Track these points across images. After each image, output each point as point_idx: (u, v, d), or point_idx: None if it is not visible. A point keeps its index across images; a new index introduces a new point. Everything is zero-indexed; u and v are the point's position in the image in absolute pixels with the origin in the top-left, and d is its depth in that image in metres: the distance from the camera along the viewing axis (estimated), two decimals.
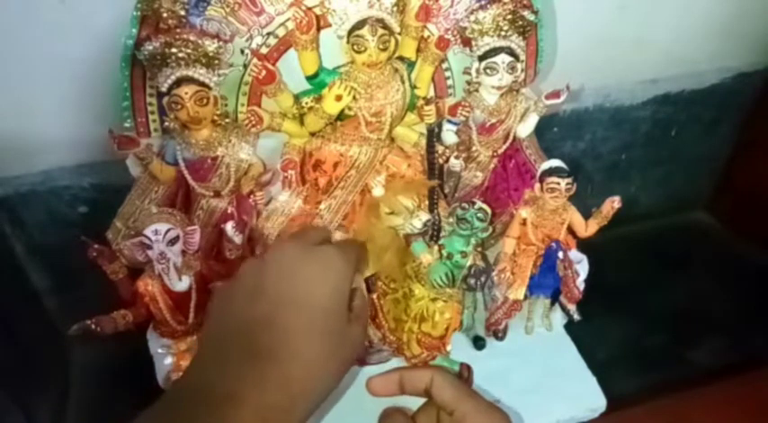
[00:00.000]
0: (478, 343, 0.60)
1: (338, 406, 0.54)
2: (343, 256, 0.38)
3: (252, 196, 0.54)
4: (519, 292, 0.57)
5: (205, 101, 0.48)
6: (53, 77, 0.55)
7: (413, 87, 0.54)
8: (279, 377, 0.32)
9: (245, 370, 0.32)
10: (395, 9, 0.48)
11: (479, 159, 0.60)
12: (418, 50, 0.53)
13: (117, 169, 0.53)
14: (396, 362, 0.58)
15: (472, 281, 0.53)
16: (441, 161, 0.58)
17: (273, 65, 0.50)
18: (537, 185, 0.55)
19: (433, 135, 0.56)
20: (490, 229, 0.53)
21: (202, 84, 0.47)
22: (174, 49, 0.46)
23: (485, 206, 0.52)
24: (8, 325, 0.60)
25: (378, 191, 0.54)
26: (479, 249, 0.57)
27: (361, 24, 0.47)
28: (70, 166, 0.61)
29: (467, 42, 0.54)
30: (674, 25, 0.76)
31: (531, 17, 0.53)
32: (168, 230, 0.48)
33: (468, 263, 0.53)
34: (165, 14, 0.46)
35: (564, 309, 0.61)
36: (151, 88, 0.49)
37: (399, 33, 0.51)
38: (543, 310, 0.61)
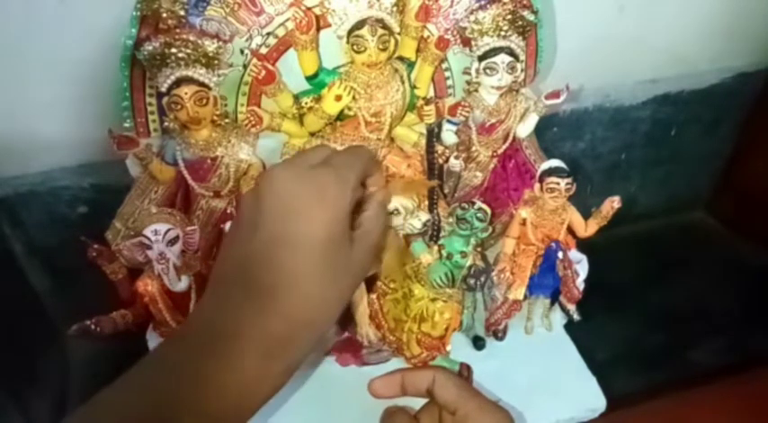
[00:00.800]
0: (478, 343, 0.60)
1: (339, 406, 0.54)
2: (338, 177, 0.36)
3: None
4: (519, 292, 0.57)
5: (205, 101, 0.48)
6: (53, 78, 0.55)
7: (412, 87, 0.54)
8: (278, 311, 0.33)
9: (246, 307, 0.33)
10: (395, 9, 0.48)
11: (479, 159, 0.60)
12: (418, 50, 0.53)
13: (117, 169, 0.53)
14: (395, 362, 0.58)
15: (472, 281, 0.53)
16: (440, 161, 0.58)
17: (273, 65, 0.50)
18: (536, 185, 0.55)
19: (433, 135, 0.56)
20: (490, 229, 0.53)
21: (202, 84, 0.47)
22: (173, 50, 0.46)
23: (484, 206, 0.52)
24: (8, 325, 0.60)
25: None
26: (479, 249, 0.57)
27: (360, 24, 0.47)
28: (70, 166, 0.61)
29: (466, 42, 0.54)
30: (674, 25, 0.76)
31: (531, 17, 0.53)
32: (168, 230, 0.48)
33: (468, 263, 0.53)
34: (164, 15, 0.46)
35: (564, 309, 0.61)
36: (151, 88, 0.49)
37: (399, 33, 0.51)
38: (543, 310, 0.61)
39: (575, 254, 0.57)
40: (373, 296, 0.56)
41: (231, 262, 0.35)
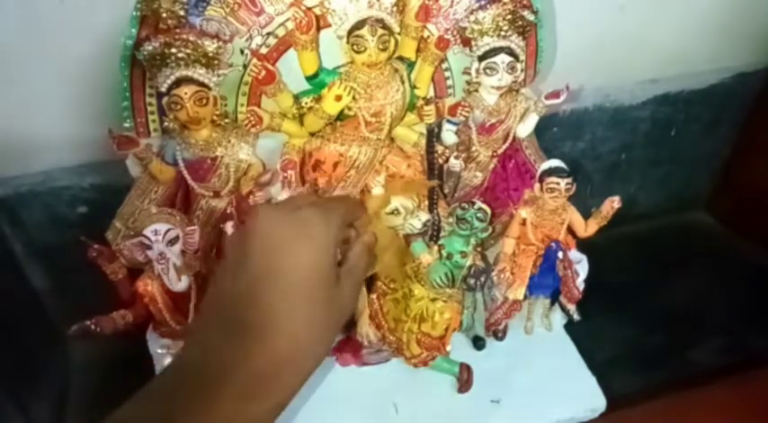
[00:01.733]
0: (478, 343, 0.60)
1: (339, 406, 0.54)
2: (322, 217, 0.36)
3: (251, 196, 0.54)
4: (519, 293, 0.57)
5: (204, 101, 0.48)
6: (53, 77, 0.55)
7: (413, 87, 0.54)
8: (264, 350, 0.33)
9: (232, 344, 0.32)
10: (395, 9, 0.48)
11: (479, 159, 0.60)
12: (418, 50, 0.53)
13: (117, 169, 0.53)
14: (395, 362, 0.58)
15: (472, 281, 0.53)
16: (440, 161, 0.58)
17: (273, 65, 0.50)
18: (536, 185, 0.55)
19: (433, 135, 0.56)
20: (490, 229, 0.53)
21: (202, 84, 0.47)
22: (173, 50, 0.46)
23: (484, 206, 0.52)
24: (8, 325, 0.60)
25: (378, 191, 0.54)
26: (479, 249, 0.57)
27: (360, 24, 0.47)
28: (70, 166, 0.61)
29: (466, 42, 0.54)
30: (674, 25, 0.76)
31: (531, 17, 0.53)
32: (168, 231, 0.48)
33: (468, 263, 0.53)
34: (164, 14, 0.46)
35: (564, 309, 0.61)
36: (151, 88, 0.49)
37: (399, 33, 0.51)
38: (543, 310, 0.61)
39: (575, 254, 0.57)
40: (373, 296, 0.56)
41: (217, 300, 0.36)
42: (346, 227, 0.39)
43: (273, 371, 0.33)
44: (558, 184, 0.54)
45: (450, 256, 0.52)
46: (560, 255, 0.55)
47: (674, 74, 0.81)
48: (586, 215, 0.57)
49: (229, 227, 0.52)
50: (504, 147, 0.59)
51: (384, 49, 0.49)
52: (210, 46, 0.47)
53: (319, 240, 0.35)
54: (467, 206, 0.52)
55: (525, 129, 0.59)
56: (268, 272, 0.34)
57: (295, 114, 0.53)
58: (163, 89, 0.47)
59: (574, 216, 0.57)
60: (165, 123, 0.50)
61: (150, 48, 0.45)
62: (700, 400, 0.69)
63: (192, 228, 0.50)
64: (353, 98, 0.51)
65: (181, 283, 0.51)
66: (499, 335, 0.60)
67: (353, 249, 0.39)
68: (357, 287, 0.39)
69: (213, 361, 0.32)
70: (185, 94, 0.47)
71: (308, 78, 0.52)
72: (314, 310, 0.34)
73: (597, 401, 0.56)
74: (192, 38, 0.46)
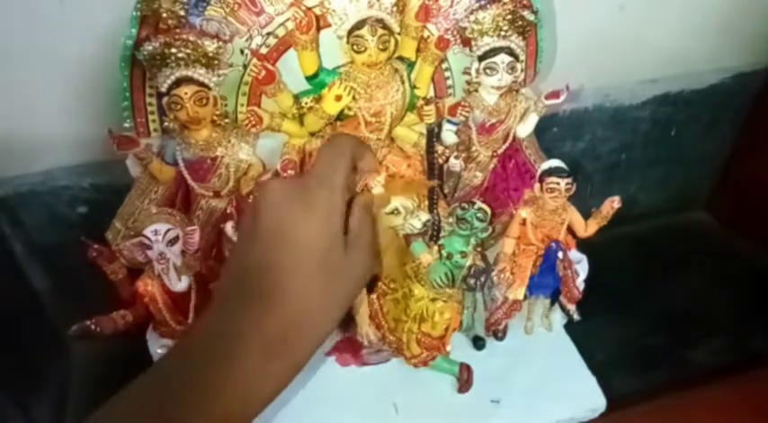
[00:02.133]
0: (478, 343, 0.60)
1: (339, 406, 0.54)
2: (322, 183, 0.37)
3: (251, 196, 0.54)
4: (519, 293, 0.57)
5: (205, 101, 0.48)
6: (53, 77, 0.55)
7: (412, 87, 0.54)
8: (277, 317, 0.34)
9: (245, 311, 0.34)
10: (395, 9, 0.48)
11: (479, 159, 0.60)
12: (418, 50, 0.53)
13: (117, 169, 0.53)
14: (396, 362, 0.58)
15: (472, 281, 0.53)
16: (440, 161, 0.58)
17: (273, 65, 0.50)
18: (536, 185, 0.55)
19: (433, 135, 0.56)
20: (490, 229, 0.53)
21: (202, 84, 0.47)
22: (173, 50, 0.46)
23: (484, 206, 0.52)
24: (8, 325, 0.60)
25: (378, 191, 0.54)
26: (479, 249, 0.57)
27: (360, 24, 0.47)
28: (70, 166, 0.61)
29: (466, 42, 0.54)
30: (674, 25, 0.76)
31: (531, 17, 0.53)
32: (168, 231, 0.48)
33: (468, 263, 0.53)
34: (164, 15, 0.46)
35: (564, 309, 0.61)
36: (151, 88, 0.49)
37: (399, 33, 0.51)
38: (543, 310, 0.61)
39: (575, 254, 0.57)
40: (373, 296, 0.56)
41: (231, 272, 0.37)
42: (352, 176, 0.40)
43: (287, 335, 0.34)
44: (558, 184, 0.54)
45: (450, 256, 0.52)
46: (560, 255, 0.55)
47: (674, 74, 0.81)
48: (586, 215, 0.57)
49: (229, 227, 0.52)
50: (504, 147, 0.59)
51: (384, 49, 0.49)
52: (210, 46, 0.47)
53: (323, 209, 0.36)
54: (467, 206, 0.52)
55: (525, 129, 0.59)
56: (278, 242, 0.35)
57: (295, 114, 0.53)
58: (163, 89, 0.47)
59: (574, 216, 0.57)
60: (165, 123, 0.50)
61: (150, 48, 0.45)
62: (700, 400, 0.69)
63: (192, 228, 0.50)
64: (353, 98, 0.51)
65: (181, 283, 0.51)
66: (499, 335, 0.60)
67: (352, 217, 0.39)
68: (367, 251, 0.39)
69: (228, 326, 0.34)
70: (185, 94, 0.47)
71: (308, 78, 0.52)
72: (323, 276, 0.36)
73: (597, 401, 0.56)
74: (192, 38, 0.46)
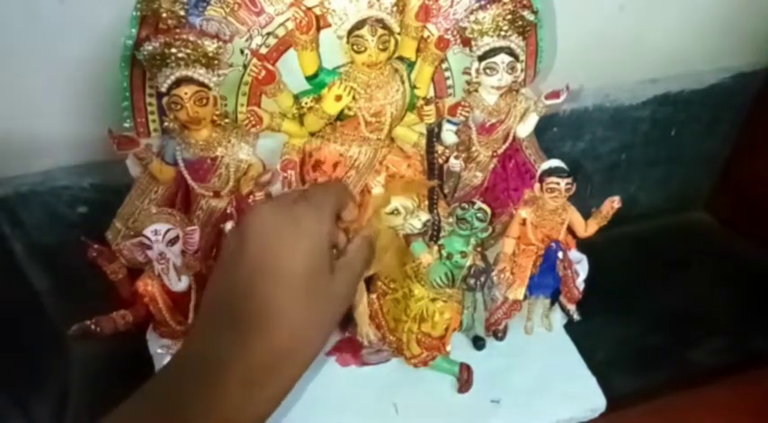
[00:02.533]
0: (478, 343, 0.60)
1: (339, 406, 0.54)
2: (315, 211, 0.37)
3: (251, 196, 0.54)
4: (519, 293, 0.57)
5: (205, 101, 0.48)
6: (53, 78, 0.55)
7: (412, 87, 0.54)
8: (262, 342, 0.34)
9: (229, 337, 0.34)
10: (394, 9, 0.48)
11: (479, 159, 0.60)
12: (418, 50, 0.53)
13: (117, 169, 0.53)
14: (395, 362, 0.58)
15: (472, 281, 0.53)
16: (440, 161, 0.58)
17: (273, 65, 0.50)
18: (536, 185, 0.55)
19: (433, 135, 0.56)
20: (490, 229, 0.53)
21: (202, 84, 0.47)
22: (173, 50, 0.46)
23: (484, 206, 0.52)
24: (8, 325, 0.60)
25: (378, 191, 0.54)
26: (479, 249, 0.57)
27: (360, 24, 0.47)
28: (70, 166, 0.61)
29: (466, 42, 0.54)
30: (674, 25, 0.76)
31: (531, 17, 0.53)
32: (168, 231, 0.48)
33: (468, 263, 0.53)
34: (164, 15, 0.46)
35: (563, 309, 0.61)
36: (151, 88, 0.49)
37: (399, 33, 0.51)
38: (543, 310, 0.61)
39: (575, 254, 0.57)
40: (373, 296, 0.56)
41: (216, 294, 0.37)
42: (337, 218, 0.40)
43: (273, 362, 0.34)
44: (558, 184, 0.54)
45: (450, 256, 0.52)
46: (560, 255, 0.55)
47: (674, 74, 0.81)
48: (586, 215, 0.57)
49: (229, 227, 0.52)
50: (504, 147, 0.59)
51: (384, 49, 0.49)
52: (210, 46, 0.47)
53: (312, 234, 0.36)
54: (467, 206, 0.52)
55: (525, 129, 0.59)
56: (264, 266, 0.35)
57: (295, 114, 0.53)
58: (163, 89, 0.47)
59: (574, 216, 0.57)
60: (165, 123, 0.50)
61: (150, 48, 0.45)
62: (700, 400, 0.69)
63: (192, 228, 0.50)
64: (353, 98, 0.51)
65: (181, 283, 0.51)
66: (499, 335, 0.60)
67: (353, 243, 0.40)
68: (354, 279, 0.40)
69: (213, 353, 0.33)
70: (185, 94, 0.47)
71: (308, 78, 0.52)
72: (310, 302, 0.35)
73: (597, 401, 0.56)
74: (192, 38, 0.46)
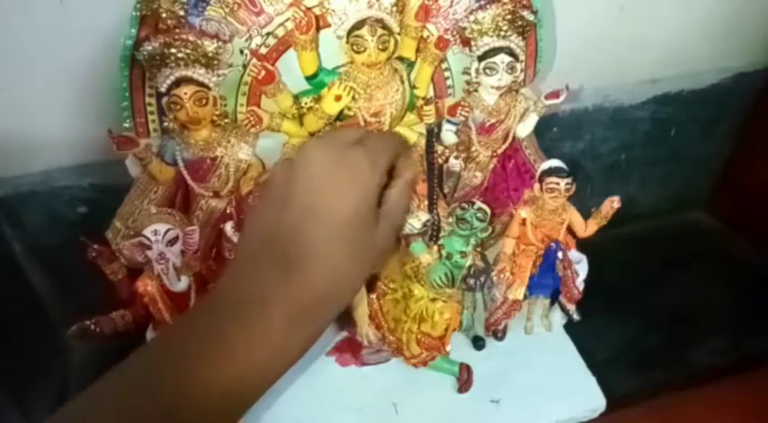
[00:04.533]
0: (478, 343, 0.60)
1: (339, 406, 0.54)
2: (370, 159, 0.37)
3: (251, 196, 0.54)
4: (518, 293, 0.57)
5: (204, 101, 0.48)
6: (52, 78, 0.55)
7: (412, 87, 0.54)
8: (304, 282, 0.34)
9: (273, 276, 0.34)
10: (394, 9, 0.48)
11: (479, 159, 0.60)
12: (418, 50, 0.53)
13: (116, 169, 0.53)
14: (396, 362, 0.58)
15: (472, 281, 0.53)
16: (440, 161, 0.58)
17: (273, 65, 0.50)
18: (536, 185, 0.55)
19: (433, 135, 0.56)
20: (490, 230, 0.53)
21: (202, 84, 0.47)
22: (173, 50, 0.46)
23: (484, 206, 0.52)
24: (7, 325, 0.60)
25: None
26: (479, 249, 0.57)
27: (360, 24, 0.47)
28: (70, 166, 0.61)
29: (466, 42, 0.54)
30: (674, 25, 0.76)
31: (531, 17, 0.53)
32: (167, 231, 0.48)
33: (468, 263, 0.53)
34: (164, 15, 0.46)
35: (563, 309, 0.61)
36: (150, 88, 0.49)
37: (399, 33, 0.51)
38: (543, 310, 0.61)
39: (575, 254, 0.57)
40: (373, 296, 0.56)
41: (260, 233, 0.36)
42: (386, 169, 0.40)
43: (312, 302, 0.34)
44: (557, 184, 0.54)
45: (449, 256, 0.52)
46: (560, 255, 0.55)
47: (674, 74, 0.81)
48: (586, 215, 0.57)
49: (229, 227, 0.52)
50: (504, 147, 0.59)
51: (384, 50, 0.49)
52: (210, 46, 0.47)
53: (364, 185, 0.36)
54: (467, 206, 0.52)
55: (525, 129, 0.59)
56: (313, 210, 0.35)
57: (295, 114, 0.53)
58: (162, 89, 0.47)
59: (574, 216, 0.57)
60: (165, 123, 0.50)
61: (150, 48, 0.45)
62: (699, 400, 0.69)
63: (192, 228, 0.50)
64: (353, 98, 0.51)
65: (180, 284, 0.51)
66: (499, 335, 0.60)
67: (394, 189, 0.39)
68: (394, 228, 0.39)
69: (256, 290, 0.33)
70: (185, 94, 0.47)
71: (308, 78, 0.52)
72: (353, 249, 0.35)
73: (597, 401, 0.56)
74: (191, 38, 0.46)
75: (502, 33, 0.52)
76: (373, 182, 0.37)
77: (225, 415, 0.32)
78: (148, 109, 0.50)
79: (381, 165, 0.37)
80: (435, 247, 0.53)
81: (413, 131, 0.57)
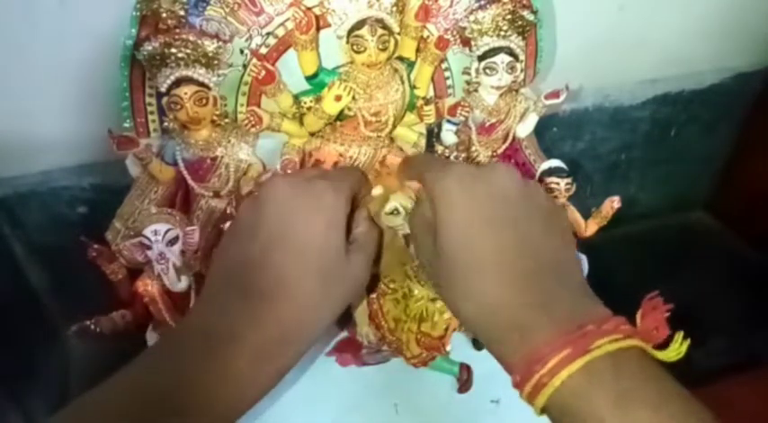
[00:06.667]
0: (478, 343, 0.60)
1: (339, 406, 0.54)
2: (334, 189, 0.37)
3: (251, 196, 0.54)
4: None
5: (204, 101, 0.48)
6: (52, 78, 0.55)
7: (412, 87, 0.54)
8: (273, 316, 0.33)
9: (241, 310, 0.33)
10: (394, 9, 0.48)
11: (479, 159, 0.60)
12: (418, 50, 0.53)
13: (116, 169, 0.53)
14: (396, 362, 0.58)
15: None
16: None
17: (273, 65, 0.50)
18: None
19: (433, 135, 0.56)
20: None
21: (202, 84, 0.47)
22: (173, 50, 0.46)
23: None
24: (7, 325, 0.60)
25: (377, 191, 0.54)
26: None
27: (360, 24, 0.47)
28: (70, 166, 0.61)
29: (466, 42, 0.54)
30: (674, 25, 0.76)
31: (531, 17, 0.53)
32: (167, 231, 0.48)
33: None
34: (164, 15, 0.46)
35: None
36: (150, 88, 0.49)
37: (399, 33, 0.51)
38: None
39: None
40: (373, 296, 0.56)
41: (228, 265, 0.36)
42: (352, 200, 0.40)
43: (281, 335, 0.34)
44: (557, 184, 0.54)
45: None
46: None
47: (674, 74, 0.81)
48: (586, 215, 0.57)
49: (226, 232, 0.52)
50: (504, 147, 0.59)
51: (384, 50, 0.49)
52: (210, 46, 0.47)
53: (331, 211, 0.36)
54: None
55: (525, 129, 0.59)
56: (281, 240, 0.35)
57: (295, 114, 0.53)
58: (162, 89, 0.47)
59: (574, 216, 0.57)
60: (165, 123, 0.50)
61: (150, 48, 0.45)
62: (700, 401, 0.69)
63: (192, 228, 0.50)
64: (353, 98, 0.51)
65: (181, 284, 0.51)
66: None
67: (359, 229, 0.40)
68: (368, 261, 0.40)
69: (224, 324, 0.33)
70: (185, 94, 0.47)
71: (308, 78, 0.52)
72: (323, 280, 0.35)
73: None
74: (191, 38, 0.46)
75: (502, 33, 0.52)
76: (339, 205, 0.36)
77: None
78: (148, 109, 0.50)
79: (344, 190, 0.38)
80: None
81: (413, 131, 0.57)
